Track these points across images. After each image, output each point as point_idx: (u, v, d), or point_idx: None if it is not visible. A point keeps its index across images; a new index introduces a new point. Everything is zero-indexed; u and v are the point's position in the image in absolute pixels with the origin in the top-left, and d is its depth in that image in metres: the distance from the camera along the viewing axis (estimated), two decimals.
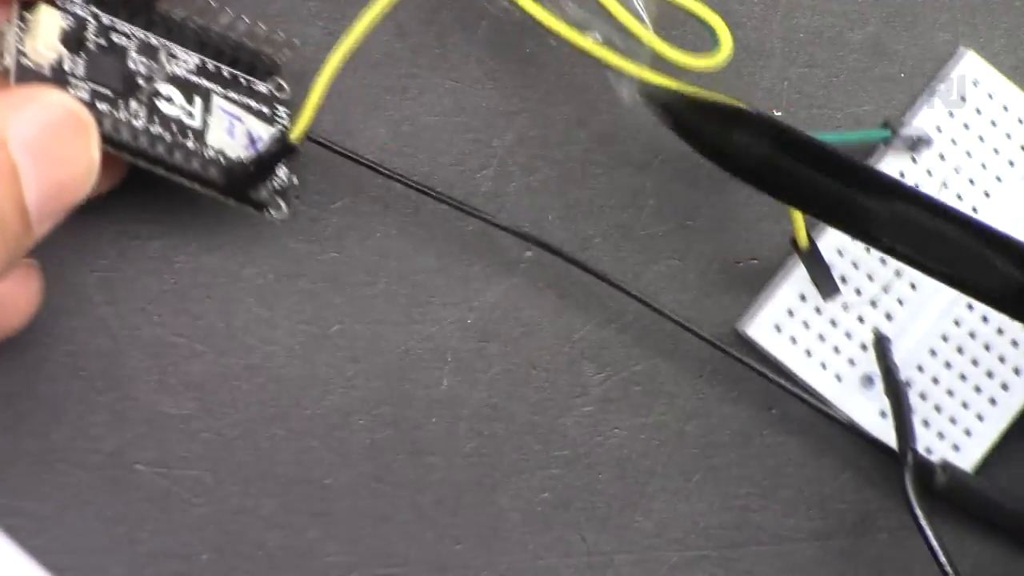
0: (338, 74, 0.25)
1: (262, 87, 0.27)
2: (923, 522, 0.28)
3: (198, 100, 0.26)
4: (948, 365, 0.32)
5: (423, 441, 0.29)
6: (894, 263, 0.31)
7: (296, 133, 0.26)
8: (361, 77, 0.29)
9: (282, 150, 0.26)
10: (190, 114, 0.26)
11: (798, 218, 0.30)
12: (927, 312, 0.32)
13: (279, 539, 0.28)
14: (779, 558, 0.31)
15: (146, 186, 0.27)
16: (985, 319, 0.32)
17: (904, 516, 0.28)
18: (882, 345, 0.31)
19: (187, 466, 0.27)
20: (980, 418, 0.32)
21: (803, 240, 0.30)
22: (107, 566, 0.27)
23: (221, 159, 0.26)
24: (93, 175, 0.24)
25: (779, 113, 0.31)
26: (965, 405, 0.32)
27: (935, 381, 0.32)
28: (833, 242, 0.31)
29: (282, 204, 0.27)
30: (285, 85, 0.27)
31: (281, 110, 0.27)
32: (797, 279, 0.31)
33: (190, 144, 0.25)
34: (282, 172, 0.27)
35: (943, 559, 0.27)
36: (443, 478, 0.29)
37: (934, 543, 0.28)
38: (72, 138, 0.23)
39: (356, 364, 0.29)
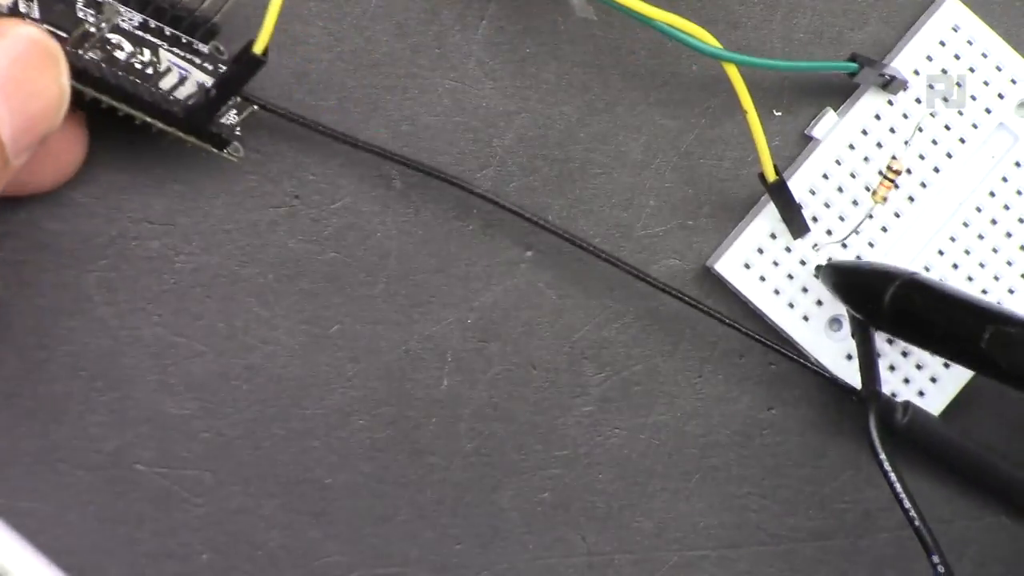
0: None
1: (203, 47, 0.27)
2: (885, 464, 0.28)
3: (147, 51, 0.26)
4: None
5: (423, 441, 0.29)
6: (866, 205, 0.31)
7: (259, 46, 0.25)
8: (361, 77, 0.29)
9: (246, 64, 0.25)
10: (142, 62, 0.26)
11: (764, 151, 0.29)
12: (898, 255, 0.31)
13: (279, 539, 0.28)
14: (779, 558, 0.31)
15: (146, 186, 0.27)
16: (955, 266, 0.31)
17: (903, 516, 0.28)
18: None
19: (187, 466, 0.27)
20: (947, 365, 0.32)
21: (770, 173, 0.29)
22: (107, 566, 0.27)
23: (178, 98, 0.26)
24: (64, 105, 0.24)
25: (779, 113, 0.31)
26: None
27: None
28: (804, 181, 0.31)
29: (239, 145, 0.27)
30: (222, 47, 0.27)
31: (223, 69, 0.27)
32: (768, 217, 0.31)
33: (147, 83, 0.25)
34: (233, 114, 0.27)
35: (903, 498, 0.28)
36: (443, 478, 0.29)
37: (896, 483, 0.28)
38: (42, 69, 0.23)
39: (356, 364, 0.29)
